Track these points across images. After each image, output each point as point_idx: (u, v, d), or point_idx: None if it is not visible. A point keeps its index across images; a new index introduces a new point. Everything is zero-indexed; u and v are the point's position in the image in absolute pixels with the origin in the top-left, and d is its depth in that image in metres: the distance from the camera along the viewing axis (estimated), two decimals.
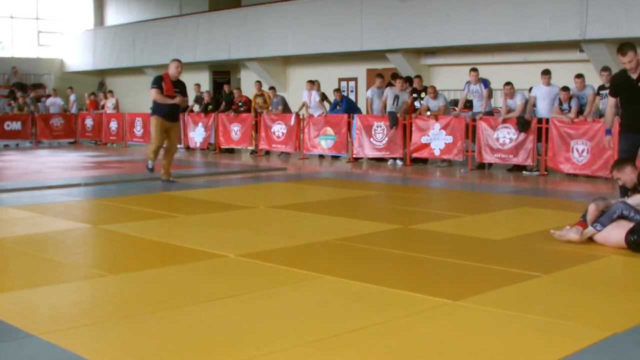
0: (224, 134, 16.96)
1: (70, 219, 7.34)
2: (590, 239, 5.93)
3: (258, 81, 17.35)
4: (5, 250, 5.83)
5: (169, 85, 10.33)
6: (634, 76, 6.91)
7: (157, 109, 10.40)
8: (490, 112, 13.23)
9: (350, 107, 15.40)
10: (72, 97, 22.50)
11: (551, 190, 10.29)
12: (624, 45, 6.86)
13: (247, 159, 15.77)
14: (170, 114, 10.39)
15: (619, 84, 7.14)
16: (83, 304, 4.35)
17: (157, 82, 10.42)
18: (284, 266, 5.17)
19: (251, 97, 16.81)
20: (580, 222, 6.03)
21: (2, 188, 9.97)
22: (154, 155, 10.51)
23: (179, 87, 10.48)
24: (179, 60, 10.53)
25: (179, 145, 17.94)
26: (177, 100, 10.33)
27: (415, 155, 13.67)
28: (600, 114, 11.51)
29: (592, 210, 6.01)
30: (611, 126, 7.41)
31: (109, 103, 20.83)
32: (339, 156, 15.17)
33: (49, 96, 23.19)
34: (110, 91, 22.54)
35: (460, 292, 4.43)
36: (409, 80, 14.49)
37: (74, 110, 22.11)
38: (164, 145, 10.53)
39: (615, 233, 5.76)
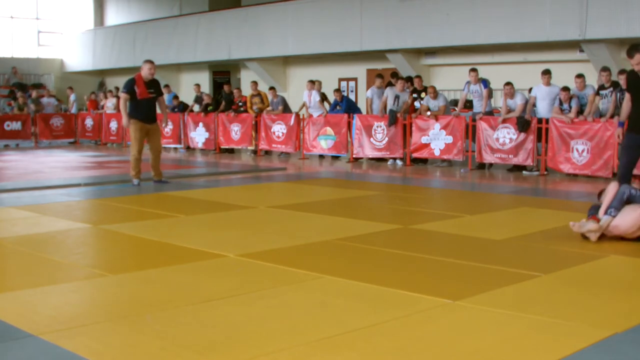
0: (224, 134, 16.95)
1: (70, 219, 7.34)
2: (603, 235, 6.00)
3: (254, 81, 17.29)
4: (5, 250, 5.83)
5: (143, 87, 10.09)
6: None
7: (134, 112, 10.14)
8: (490, 112, 13.23)
9: (350, 107, 15.40)
10: (72, 97, 22.46)
11: (551, 190, 10.29)
12: (632, 48, 6.94)
13: (247, 159, 15.77)
14: (147, 116, 10.18)
15: (631, 83, 7.25)
16: (83, 304, 4.36)
17: (129, 87, 10.13)
18: (284, 266, 5.17)
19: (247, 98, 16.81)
20: (592, 217, 6.04)
21: (2, 188, 9.97)
22: (135, 164, 10.18)
23: (153, 87, 10.29)
24: (151, 62, 10.31)
25: (179, 145, 18.08)
26: (124, 121, 10.10)
27: (415, 155, 13.66)
28: (601, 114, 11.51)
29: (611, 190, 6.07)
30: (625, 120, 7.55)
31: (109, 103, 20.81)
32: (339, 156, 15.17)
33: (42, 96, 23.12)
34: (110, 91, 22.52)
35: (460, 292, 4.43)
36: (409, 80, 14.49)
37: (74, 110, 22.08)
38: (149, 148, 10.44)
39: (628, 214, 5.88)
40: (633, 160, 7.20)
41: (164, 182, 10.47)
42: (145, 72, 10.19)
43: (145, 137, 10.31)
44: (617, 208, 5.96)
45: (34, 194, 9.44)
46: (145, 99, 10.14)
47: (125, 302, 4.33)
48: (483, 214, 7.72)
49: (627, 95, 7.40)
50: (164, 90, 18.91)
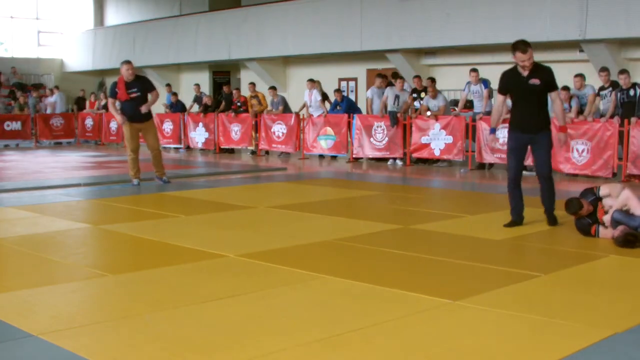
0: (224, 134, 16.95)
1: (70, 219, 7.34)
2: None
3: (251, 83, 17.27)
4: (5, 250, 5.83)
5: (123, 90, 10.06)
6: (525, 74, 6.67)
7: (122, 113, 10.18)
8: (491, 112, 13.21)
9: (350, 107, 15.40)
10: (53, 98, 22.21)
11: None
12: (522, 43, 6.51)
13: (247, 159, 15.77)
14: (134, 115, 10.10)
15: (509, 82, 6.86)
16: (83, 304, 4.36)
17: (111, 91, 10.29)
18: (284, 266, 5.17)
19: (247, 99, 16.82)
20: None
21: (2, 188, 9.97)
22: (133, 164, 10.19)
23: (137, 86, 10.15)
24: (128, 62, 10.23)
25: (179, 145, 18.07)
26: (119, 119, 10.20)
27: (415, 155, 13.66)
28: (601, 114, 11.51)
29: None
30: (496, 125, 7.20)
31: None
32: (338, 156, 15.16)
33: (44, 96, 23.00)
34: None
35: (460, 292, 4.43)
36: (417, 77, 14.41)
37: (57, 110, 21.79)
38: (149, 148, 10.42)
39: None
40: (521, 162, 6.98)
41: (165, 181, 10.45)
42: (123, 73, 10.11)
43: (137, 136, 10.32)
44: None
45: (34, 194, 9.44)
46: (129, 99, 10.09)
47: (125, 302, 4.33)
48: (483, 214, 7.72)
49: (499, 98, 6.99)
50: (165, 89, 18.70)
